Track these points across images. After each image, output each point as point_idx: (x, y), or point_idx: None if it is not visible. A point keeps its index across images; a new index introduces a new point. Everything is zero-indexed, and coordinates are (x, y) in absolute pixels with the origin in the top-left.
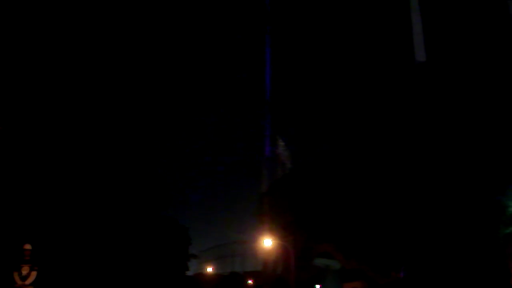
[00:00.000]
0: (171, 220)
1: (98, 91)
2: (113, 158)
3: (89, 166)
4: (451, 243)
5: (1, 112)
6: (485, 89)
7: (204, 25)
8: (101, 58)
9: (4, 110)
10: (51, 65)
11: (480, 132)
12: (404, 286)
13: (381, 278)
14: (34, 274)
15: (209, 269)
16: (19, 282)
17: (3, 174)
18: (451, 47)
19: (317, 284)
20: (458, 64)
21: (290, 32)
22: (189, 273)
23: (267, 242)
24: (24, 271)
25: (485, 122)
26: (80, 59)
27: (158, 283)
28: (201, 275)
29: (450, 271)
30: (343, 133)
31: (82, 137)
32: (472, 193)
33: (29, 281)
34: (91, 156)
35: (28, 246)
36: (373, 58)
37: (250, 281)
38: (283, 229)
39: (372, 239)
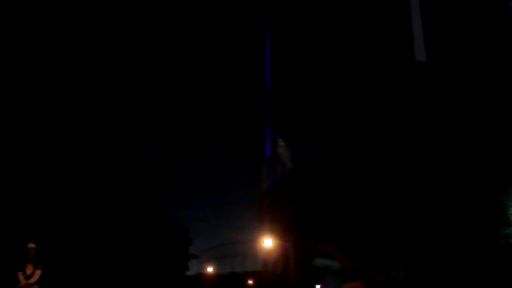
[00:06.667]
0: (171, 220)
1: (100, 93)
2: (114, 158)
3: (90, 167)
4: (451, 243)
5: (1, 112)
6: (486, 89)
7: (205, 24)
8: (101, 64)
9: (4, 110)
10: (50, 65)
11: (480, 131)
12: (404, 286)
13: (381, 278)
14: (38, 272)
15: (209, 269)
16: (23, 281)
17: (4, 175)
18: (451, 46)
19: (317, 284)
20: (458, 63)
21: (290, 31)
22: (189, 273)
23: (267, 242)
24: (28, 270)
25: (486, 121)
26: (80, 60)
27: (158, 283)
28: (201, 275)
29: (450, 271)
30: (343, 133)
31: (83, 138)
32: (472, 193)
33: (33, 280)
34: (92, 157)
35: (32, 245)
36: (372, 57)
37: (250, 281)
38: (283, 229)
39: (372, 240)
